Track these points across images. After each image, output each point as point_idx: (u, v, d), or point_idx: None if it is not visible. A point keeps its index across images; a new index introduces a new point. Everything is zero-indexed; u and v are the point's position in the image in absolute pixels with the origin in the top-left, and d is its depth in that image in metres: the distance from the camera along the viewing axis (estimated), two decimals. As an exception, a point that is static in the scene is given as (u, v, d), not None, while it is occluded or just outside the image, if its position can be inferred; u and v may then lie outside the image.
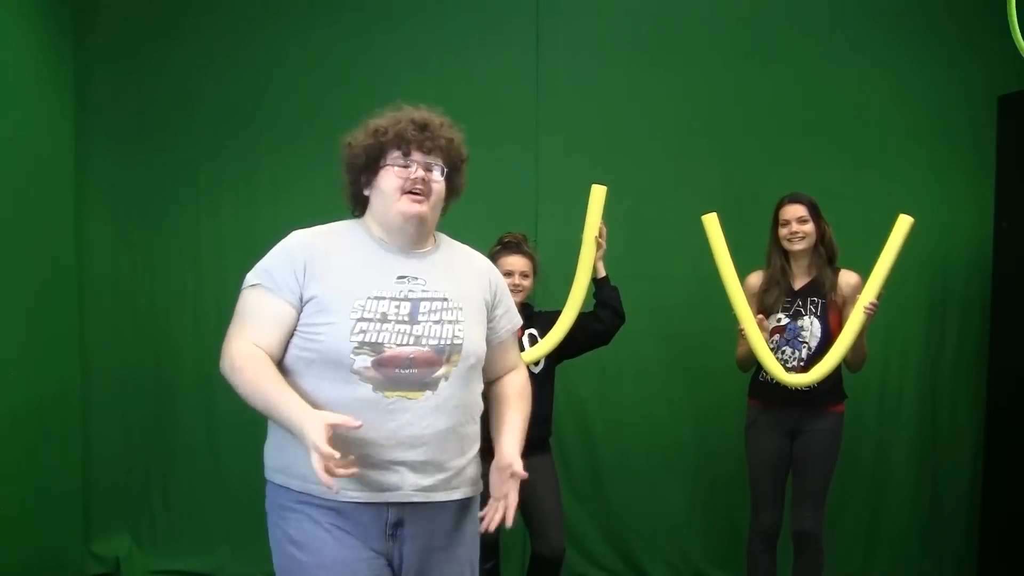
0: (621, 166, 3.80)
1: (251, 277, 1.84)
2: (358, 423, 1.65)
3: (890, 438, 3.84)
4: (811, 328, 3.06)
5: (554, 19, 3.83)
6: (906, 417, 3.84)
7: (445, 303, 1.84)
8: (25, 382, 3.19)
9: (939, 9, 3.83)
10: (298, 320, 1.79)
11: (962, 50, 3.81)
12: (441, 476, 1.81)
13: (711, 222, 3.03)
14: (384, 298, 1.79)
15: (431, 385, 1.78)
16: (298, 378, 1.78)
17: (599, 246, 3.02)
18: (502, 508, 1.87)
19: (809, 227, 3.07)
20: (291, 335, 1.80)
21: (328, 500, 1.75)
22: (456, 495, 1.85)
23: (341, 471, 1.63)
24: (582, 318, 3.03)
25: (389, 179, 1.85)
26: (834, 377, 3.04)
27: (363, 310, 1.77)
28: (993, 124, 3.63)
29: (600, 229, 3.02)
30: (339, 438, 1.70)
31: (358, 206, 1.95)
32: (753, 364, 3.17)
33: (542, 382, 3.04)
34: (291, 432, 1.68)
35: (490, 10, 3.84)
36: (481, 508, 1.95)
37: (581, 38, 3.84)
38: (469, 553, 1.95)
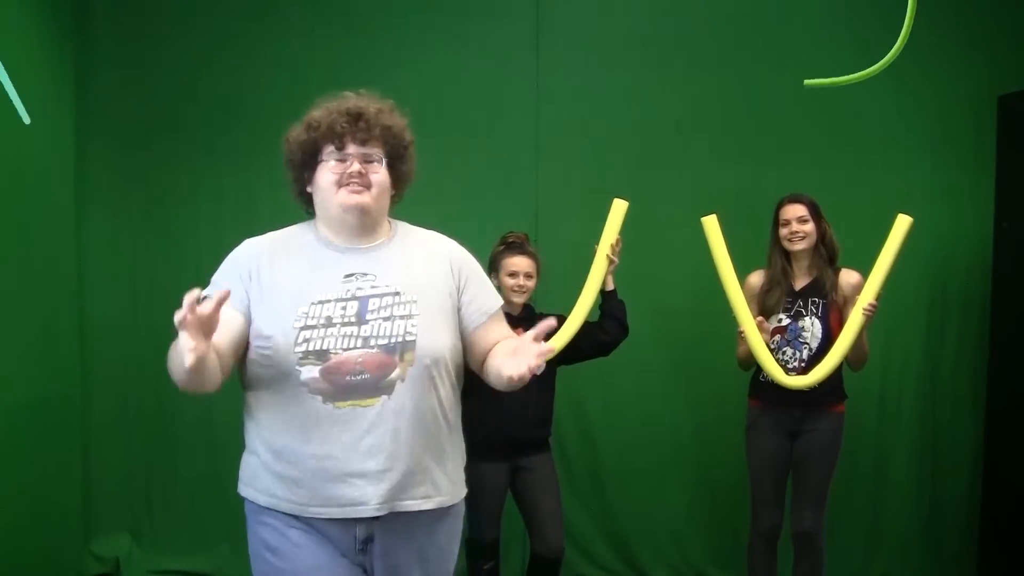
0: (621, 166, 3.80)
1: (205, 291, 1.76)
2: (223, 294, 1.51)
3: (890, 438, 3.84)
4: (812, 329, 3.06)
5: (554, 19, 3.83)
6: (906, 417, 3.84)
7: (397, 297, 1.73)
8: (25, 382, 3.19)
9: (939, 9, 3.82)
10: (249, 331, 1.72)
11: (962, 50, 3.80)
12: (407, 484, 1.70)
13: (711, 224, 3.03)
14: (329, 301, 1.71)
15: (385, 389, 1.68)
16: (257, 395, 1.74)
17: (611, 261, 3.03)
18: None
19: (809, 227, 3.07)
20: (241, 343, 1.71)
21: (296, 516, 1.71)
22: (426, 504, 1.74)
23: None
24: (588, 328, 3.05)
25: (325, 175, 1.77)
26: (834, 377, 3.04)
27: (307, 317, 1.68)
28: (993, 124, 3.63)
29: (615, 243, 3.02)
30: (295, 455, 1.67)
31: (308, 204, 1.87)
32: (753, 364, 3.17)
33: (543, 384, 3.03)
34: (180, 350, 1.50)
35: (490, 10, 3.84)
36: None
37: (581, 38, 3.83)
38: (446, 565, 1.85)
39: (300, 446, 1.67)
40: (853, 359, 3.09)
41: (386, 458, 1.68)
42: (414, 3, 3.84)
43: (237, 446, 3.76)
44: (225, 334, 1.65)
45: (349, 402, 1.66)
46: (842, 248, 3.15)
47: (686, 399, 3.86)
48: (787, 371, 3.04)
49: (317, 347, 1.67)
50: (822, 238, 3.09)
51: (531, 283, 3.06)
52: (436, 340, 1.75)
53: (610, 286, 3.09)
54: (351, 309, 1.71)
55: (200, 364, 1.49)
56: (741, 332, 3.03)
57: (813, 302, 3.07)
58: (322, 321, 1.69)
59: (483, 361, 1.85)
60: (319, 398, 1.66)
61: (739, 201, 3.58)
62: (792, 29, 3.85)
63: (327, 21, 3.82)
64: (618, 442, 3.86)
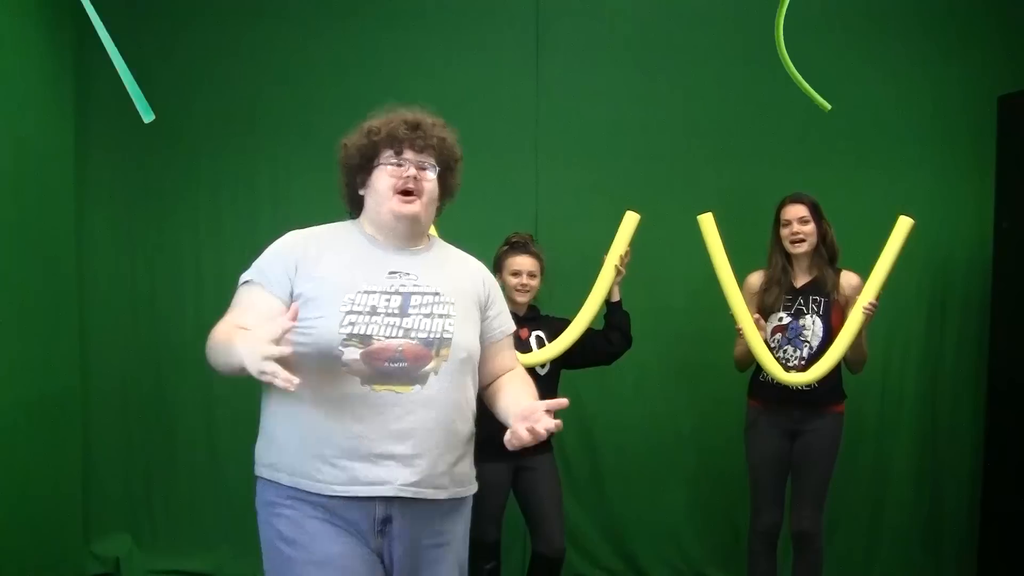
0: (621, 166, 3.80)
1: (245, 275, 1.87)
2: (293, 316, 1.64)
3: (890, 438, 3.84)
4: (813, 327, 3.06)
5: (554, 19, 3.83)
6: (906, 417, 3.84)
7: (437, 297, 1.84)
8: (25, 382, 3.19)
9: (939, 9, 3.83)
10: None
11: (962, 50, 3.81)
12: (431, 472, 1.78)
13: (707, 222, 3.03)
14: (375, 292, 1.80)
15: (420, 379, 1.77)
16: (295, 372, 1.76)
17: (619, 272, 3.03)
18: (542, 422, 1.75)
19: (810, 227, 3.07)
20: None
21: (316, 495, 1.76)
22: (445, 494, 1.82)
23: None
24: (592, 335, 3.07)
25: (382, 178, 1.87)
26: (834, 377, 3.05)
27: (352, 303, 1.77)
28: (993, 124, 3.63)
29: (624, 255, 3.03)
30: (327, 432, 1.74)
31: (355, 207, 1.98)
32: (751, 364, 3.18)
33: (547, 384, 3.05)
34: (241, 358, 1.62)
35: (490, 10, 3.84)
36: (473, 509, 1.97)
37: (581, 38, 3.84)
38: (459, 556, 1.93)
39: (334, 424, 1.74)
40: (852, 361, 3.09)
41: (415, 444, 1.76)
42: (414, 5, 3.84)
43: (237, 447, 3.76)
44: (265, 321, 1.74)
45: (386, 386, 1.75)
46: (843, 248, 3.15)
47: (686, 399, 3.86)
48: (787, 369, 3.04)
49: (361, 331, 1.75)
50: (823, 238, 3.09)
51: (534, 282, 3.06)
52: (469, 340, 1.87)
53: (615, 296, 3.10)
54: (395, 302, 1.80)
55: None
56: (739, 329, 3.03)
57: (814, 300, 3.07)
58: (367, 309, 1.78)
59: (487, 384, 2.01)
60: (357, 379, 1.74)
61: (739, 201, 3.59)
62: (792, 30, 3.84)
63: (328, 24, 3.82)
64: (618, 442, 3.86)
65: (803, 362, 3.05)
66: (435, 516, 1.84)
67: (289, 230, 1.94)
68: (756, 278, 3.18)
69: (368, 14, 3.83)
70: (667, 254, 3.72)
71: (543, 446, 3.07)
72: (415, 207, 1.86)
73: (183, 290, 3.82)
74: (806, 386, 3.02)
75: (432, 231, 2.05)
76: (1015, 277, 3.50)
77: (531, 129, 3.83)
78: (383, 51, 3.79)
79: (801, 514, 3.11)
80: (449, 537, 1.88)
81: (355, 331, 1.75)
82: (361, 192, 1.93)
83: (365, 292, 1.80)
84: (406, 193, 1.86)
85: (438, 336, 1.80)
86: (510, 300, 3.05)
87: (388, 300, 1.80)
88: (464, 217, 2.92)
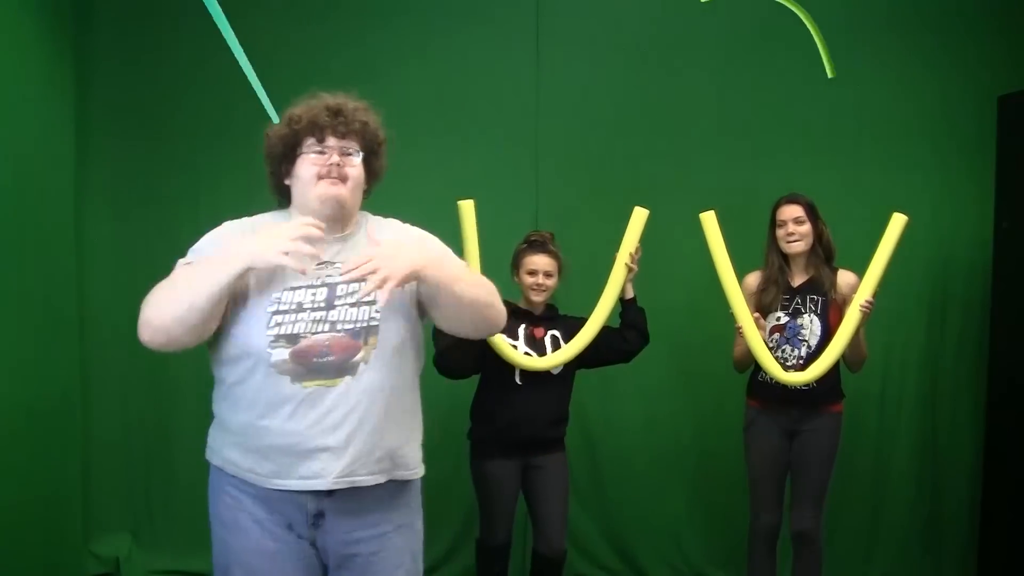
0: (621, 166, 3.80)
1: (183, 260, 1.88)
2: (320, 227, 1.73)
3: (890, 438, 3.84)
4: (811, 326, 3.06)
5: (554, 19, 3.83)
6: (906, 417, 3.84)
7: (362, 284, 1.79)
8: (25, 383, 3.19)
9: (939, 9, 3.83)
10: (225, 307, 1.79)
11: (962, 50, 3.80)
12: (366, 460, 1.78)
13: (708, 220, 3.03)
14: (300, 287, 1.80)
15: (350, 370, 1.77)
16: (228, 374, 1.82)
17: (630, 269, 3.03)
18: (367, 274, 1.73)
19: (805, 228, 3.07)
20: (221, 314, 1.78)
21: (256, 487, 1.79)
22: (383, 478, 1.82)
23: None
24: (609, 334, 3.05)
25: (305, 166, 1.87)
26: (832, 377, 3.05)
27: (279, 303, 1.78)
28: (993, 124, 3.63)
29: (634, 252, 3.02)
30: (262, 430, 1.76)
31: (282, 196, 1.98)
32: (749, 365, 3.18)
33: (560, 384, 3.05)
34: (232, 272, 1.70)
35: (490, 10, 3.84)
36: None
37: (581, 38, 3.84)
38: (409, 544, 1.92)
39: (267, 423, 1.76)
40: (851, 360, 3.09)
41: (347, 435, 1.76)
42: (415, 3, 3.84)
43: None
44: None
45: (315, 382, 1.76)
46: (843, 247, 3.15)
47: (686, 399, 3.86)
48: (785, 369, 3.04)
49: (288, 331, 1.76)
50: (819, 239, 3.09)
51: (550, 282, 3.04)
52: (397, 325, 1.84)
53: (629, 294, 3.09)
54: (321, 295, 1.80)
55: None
56: (739, 328, 3.03)
57: (812, 299, 3.08)
58: (293, 306, 1.78)
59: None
60: (287, 378, 1.75)
61: (739, 201, 3.58)
62: (791, 30, 3.84)
63: (328, 20, 3.81)
64: (618, 442, 3.86)
65: (801, 361, 3.04)
66: (373, 505, 1.84)
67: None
68: (754, 278, 3.19)
69: (369, 12, 3.83)
70: (667, 254, 3.72)
71: (555, 446, 3.08)
72: (340, 190, 1.85)
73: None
74: (805, 386, 3.02)
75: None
76: (1015, 277, 3.50)
77: (531, 128, 3.83)
78: (384, 50, 3.79)
79: (801, 514, 3.11)
80: (388, 528, 1.87)
81: (282, 331, 1.76)
82: (287, 181, 1.93)
83: (291, 289, 1.79)
84: (330, 178, 1.85)
85: (364, 325, 1.79)
86: (525, 299, 3.06)
87: (314, 294, 1.80)
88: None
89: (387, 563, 1.87)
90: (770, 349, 3.06)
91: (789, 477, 3.17)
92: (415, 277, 1.77)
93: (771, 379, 3.04)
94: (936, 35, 3.82)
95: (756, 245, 3.21)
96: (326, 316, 1.78)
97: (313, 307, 1.78)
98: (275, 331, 1.75)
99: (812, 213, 3.08)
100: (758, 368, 3.12)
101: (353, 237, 1.91)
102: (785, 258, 3.13)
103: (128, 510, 3.85)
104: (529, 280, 3.02)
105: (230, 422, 1.84)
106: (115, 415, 3.82)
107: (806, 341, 3.06)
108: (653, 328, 3.14)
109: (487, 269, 2.88)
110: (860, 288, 2.98)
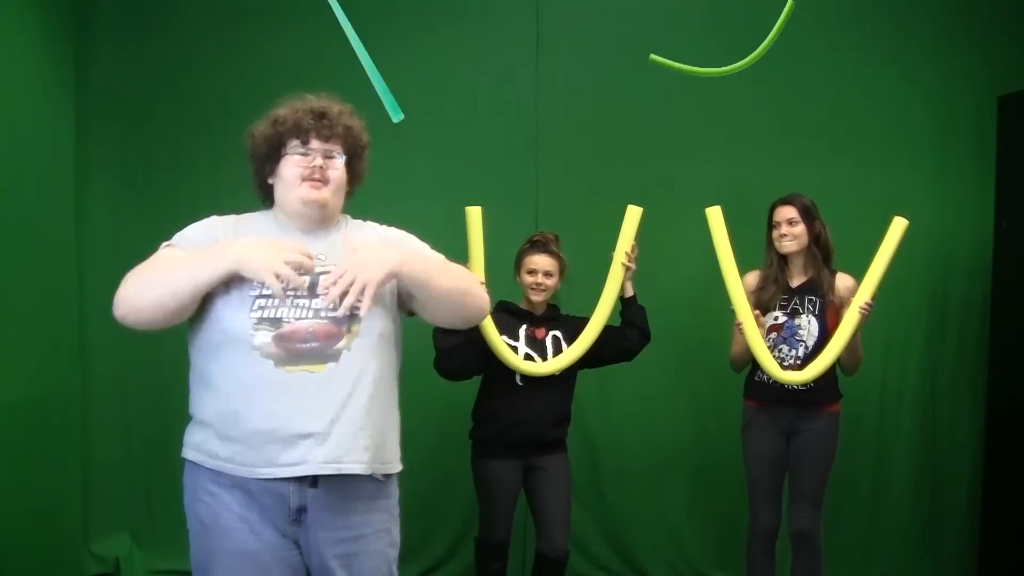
0: (621, 166, 3.80)
1: (166, 243, 1.93)
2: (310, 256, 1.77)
3: (890, 438, 3.84)
4: (809, 327, 3.06)
5: (554, 19, 3.83)
6: (906, 417, 3.84)
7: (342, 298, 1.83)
8: (25, 382, 3.19)
9: (939, 9, 3.83)
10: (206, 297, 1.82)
11: (962, 50, 3.81)
12: (350, 447, 1.78)
13: (714, 215, 3.03)
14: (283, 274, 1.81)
15: (333, 357, 1.78)
16: (210, 360, 1.84)
17: (628, 267, 3.03)
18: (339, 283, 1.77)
19: (799, 229, 3.07)
20: (200, 298, 1.80)
21: (236, 480, 1.79)
22: (367, 468, 1.81)
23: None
24: (610, 333, 3.05)
25: (289, 167, 1.90)
26: (829, 377, 3.05)
27: (262, 287, 1.79)
28: (993, 124, 3.63)
29: (631, 250, 3.02)
30: (245, 416, 1.76)
31: (265, 195, 2.01)
32: (746, 364, 3.18)
33: (562, 385, 3.05)
34: (218, 271, 1.74)
35: (490, 10, 3.84)
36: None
37: (581, 38, 3.83)
38: (385, 549, 1.92)
39: (249, 408, 1.76)
40: (846, 362, 3.09)
41: (331, 420, 1.77)
42: (415, 3, 3.84)
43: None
44: None
45: (299, 367, 1.77)
46: (843, 246, 3.15)
47: (686, 399, 3.86)
48: (783, 368, 3.03)
49: (271, 315, 1.78)
50: (816, 239, 3.09)
51: (550, 282, 3.04)
52: (380, 314, 1.86)
53: (629, 292, 3.09)
54: (304, 284, 1.81)
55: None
56: (739, 325, 3.03)
57: (810, 300, 3.08)
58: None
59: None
60: (270, 362, 1.76)
61: (739, 201, 3.57)
62: (791, 30, 3.84)
63: (327, 16, 3.79)
64: (617, 442, 3.86)
65: (799, 361, 3.05)
66: (354, 503, 1.84)
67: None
68: (752, 278, 3.19)
69: (368, 11, 3.81)
70: (666, 254, 3.72)
71: (557, 447, 3.08)
72: (322, 193, 1.89)
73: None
74: (802, 385, 3.02)
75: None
76: (1015, 277, 3.50)
77: (531, 129, 3.83)
78: (383, 50, 3.75)
79: (799, 514, 3.11)
80: (368, 531, 1.87)
81: (265, 315, 1.78)
82: (270, 181, 1.96)
83: (275, 275, 1.80)
84: (313, 180, 1.88)
85: (347, 313, 1.80)
86: (525, 299, 3.06)
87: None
88: (464, 216, 2.93)
89: (366, 567, 1.86)
90: (768, 348, 3.06)
91: (787, 477, 3.17)
92: (392, 277, 1.83)
93: (769, 379, 3.05)
94: (936, 34, 3.82)
95: (754, 245, 3.21)
96: (309, 304, 1.80)
97: (297, 294, 1.80)
98: (258, 314, 1.77)
99: (808, 214, 3.08)
100: (755, 368, 3.12)
101: (334, 235, 1.95)
102: (783, 258, 3.13)
103: (128, 510, 3.84)
104: (529, 280, 3.03)
105: (209, 410, 1.84)
106: (115, 415, 3.82)
107: (804, 341, 3.06)
108: (654, 328, 3.14)
109: (486, 269, 2.89)
110: (860, 290, 2.98)
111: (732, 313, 3.06)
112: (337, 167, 1.92)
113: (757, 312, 3.06)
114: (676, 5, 3.83)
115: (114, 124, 3.78)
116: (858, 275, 3.05)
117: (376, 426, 1.84)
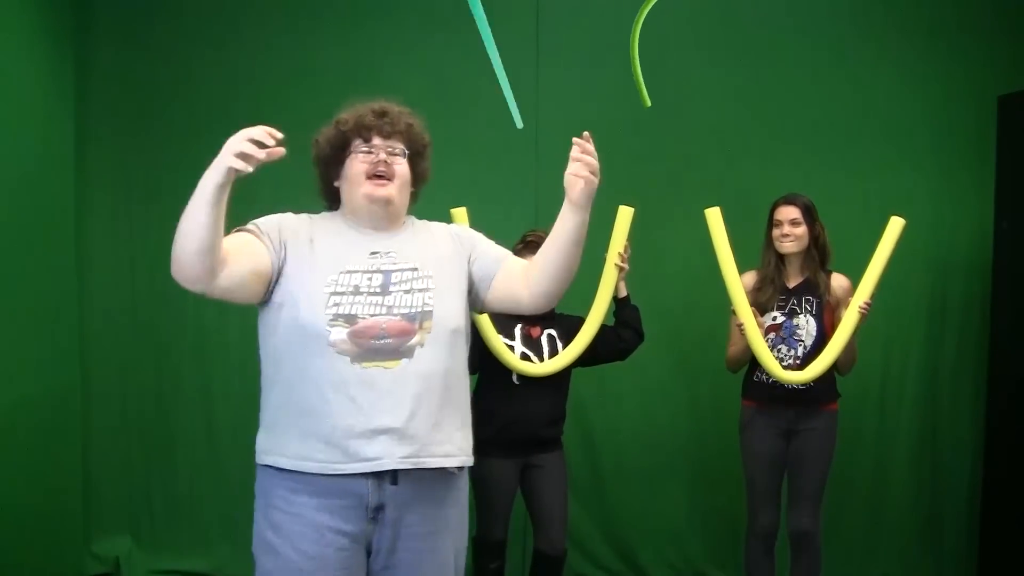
0: (621, 166, 3.79)
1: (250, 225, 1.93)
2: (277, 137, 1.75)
3: (890, 438, 3.84)
4: (807, 327, 3.06)
5: (554, 19, 3.83)
6: (906, 417, 3.84)
7: (415, 273, 1.90)
8: (25, 381, 3.19)
9: (939, 9, 3.83)
10: (273, 276, 1.85)
11: (962, 50, 3.81)
12: (426, 442, 1.81)
13: (714, 216, 3.03)
14: (356, 272, 1.86)
15: (407, 353, 1.81)
16: (287, 361, 1.84)
17: (621, 268, 3.03)
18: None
19: (801, 230, 3.07)
20: (259, 274, 1.84)
21: (314, 479, 1.78)
22: (441, 462, 1.84)
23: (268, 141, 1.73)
24: (605, 333, 3.06)
25: (354, 165, 1.93)
26: (827, 376, 3.05)
27: (336, 284, 1.83)
28: (993, 124, 3.63)
29: (623, 251, 3.02)
30: (322, 413, 1.78)
31: (332, 200, 2.03)
32: (743, 364, 3.18)
33: (557, 384, 3.05)
34: (216, 177, 1.76)
35: (490, 10, 3.81)
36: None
37: (581, 38, 3.84)
38: (455, 541, 1.94)
39: (328, 404, 1.78)
40: (842, 362, 3.09)
41: (408, 416, 1.79)
42: (414, 3, 3.84)
43: (237, 446, 3.77)
44: (246, 253, 1.84)
45: (374, 363, 1.79)
46: (842, 247, 3.16)
47: (685, 399, 3.86)
48: (783, 368, 3.04)
49: (346, 311, 1.81)
50: (815, 241, 3.09)
51: None
52: (452, 310, 1.90)
53: (622, 292, 3.10)
54: (376, 281, 1.86)
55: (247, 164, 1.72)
56: (740, 325, 3.03)
57: (807, 300, 3.08)
58: (350, 289, 1.84)
59: (526, 286, 1.97)
60: (346, 358, 1.79)
61: (738, 200, 3.58)
62: (791, 30, 3.85)
63: (327, 19, 3.82)
64: (617, 442, 3.86)
65: (798, 361, 3.05)
66: (429, 498, 1.86)
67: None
68: (749, 278, 3.18)
69: (368, 12, 3.83)
70: (666, 254, 3.72)
71: (552, 445, 3.08)
72: (388, 190, 1.92)
73: (183, 290, 3.79)
74: (801, 385, 3.02)
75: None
76: (1015, 277, 3.50)
77: (531, 129, 3.83)
78: (383, 48, 3.79)
79: (799, 514, 3.11)
80: (441, 525, 1.89)
81: (340, 311, 1.80)
82: (336, 183, 1.98)
83: (347, 272, 1.85)
84: (378, 177, 1.91)
85: (419, 310, 1.84)
86: None
87: (370, 279, 1.86)
88: (450, 219, 2.93)
89: (435, 563, 1.88)
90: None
91: (786, 477, 3.17)
92: (591, 192, 1.97)
93: (767, 378, 3.05)
94: (936, 35, 3.82)
95: (754, 245, 3.21)
96: (382, 301, 1.83)
97: (370, 291, 1.83)
98: (333, 310, 1.80)
99: (809, 215, 3.08)
100: (753, 368, 3.13)
101: (402, 234, 1.97)
102: (781, 258, 3.13)
103: (128, 510, 3.84)
104: None
105: (286, 414, 1.84)
106: (115, 415, 3.82)
107: (802, 341, 3.06)
108: (652, 328, 3.14)
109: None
110: (858, 290, 2.98)
111: (731, 313, 3.06)
112: (401, 163, 1.95)
113: (754, 310, 3.06)
114: (675, 4, 3.82)
115: (114, 125, 3.78)
116: (858, 275, 3.05)
117: (450, 421, 1.87)
